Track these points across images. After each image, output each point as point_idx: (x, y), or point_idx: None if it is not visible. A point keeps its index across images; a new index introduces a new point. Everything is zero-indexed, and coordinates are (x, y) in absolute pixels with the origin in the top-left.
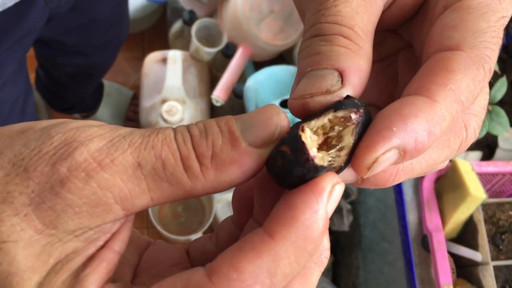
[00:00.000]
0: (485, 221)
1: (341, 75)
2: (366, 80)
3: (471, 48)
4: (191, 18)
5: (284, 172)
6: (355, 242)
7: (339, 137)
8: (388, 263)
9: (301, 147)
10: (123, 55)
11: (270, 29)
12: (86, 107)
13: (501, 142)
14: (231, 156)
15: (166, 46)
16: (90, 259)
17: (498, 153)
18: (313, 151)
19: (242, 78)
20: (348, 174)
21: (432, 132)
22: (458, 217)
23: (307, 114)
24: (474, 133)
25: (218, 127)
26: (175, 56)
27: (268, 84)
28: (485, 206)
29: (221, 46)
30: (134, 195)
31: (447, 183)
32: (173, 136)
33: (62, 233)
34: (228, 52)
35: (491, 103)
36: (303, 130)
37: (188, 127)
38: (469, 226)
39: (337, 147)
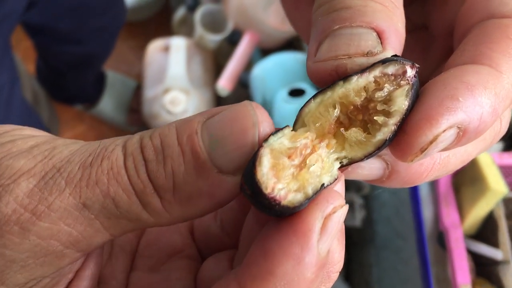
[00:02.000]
0: (507, 217)
1: (380, 36)
2: (403, 45)
3: None
4: (195, 3)
5: (258, 208)
6: (368, 239)
7: (387, 101)
8: (403, 260)
9: (259, 190)
10: (126, 44)
11: (277, 14)
12: (88, 98)
13: None
14: (198, 188)
15: (170, 33)
16: None
17: None
18: (277, 188)
19: (249, 67)
20: (374, 167)
21: (496, 110)
22: (477, 213)
23: (334, 80)
24: (506, 126)
25: (179, 146)
26: (178, 44)
27: (276, 73)
28: (506, 201)
29: (227, 33)
30: (87, 236)
31: (465, 176)
32: (122, 163)
33: (14, 287)
34: (233, 39)
35: None
36: (259, 162)
37: (141, 146)
38: (489, 222)
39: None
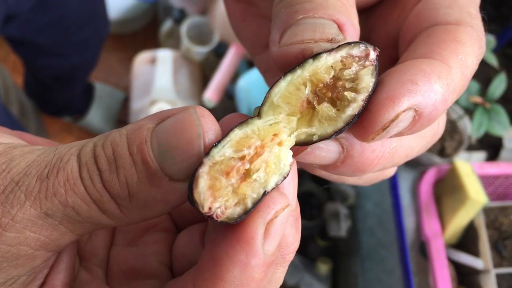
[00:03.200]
0: (487, 226)
1: (340, 28)
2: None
3: (471, 27)
4: (181, 16)
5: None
6: (354, 249)
7: (353, 80)
8: (386, 271)
9: (197, 209)
10: (115, 56)
11: None
12: (76, 110)
13: (506, 142)
14: (153, 196)
15: (158, 46)
16: None
17: (504, 153)
18: (214, 207)
19: (235, 78)
20: (332, 149)
21: (446, 100)
22: (457, 222)
23: (298, 62)
24: (443, 127)
25: (130, 156)
26: (164, 56)
27: (261, 84)
28: (487, 210)
29: (213, 45)
30: (54, 239)
31: (446, 186)
32: (77, 173)
33: None
34: (219, 51)
35: (489, 101)
36: (195, 184)
37: (95, 155)
38: (469, 232)
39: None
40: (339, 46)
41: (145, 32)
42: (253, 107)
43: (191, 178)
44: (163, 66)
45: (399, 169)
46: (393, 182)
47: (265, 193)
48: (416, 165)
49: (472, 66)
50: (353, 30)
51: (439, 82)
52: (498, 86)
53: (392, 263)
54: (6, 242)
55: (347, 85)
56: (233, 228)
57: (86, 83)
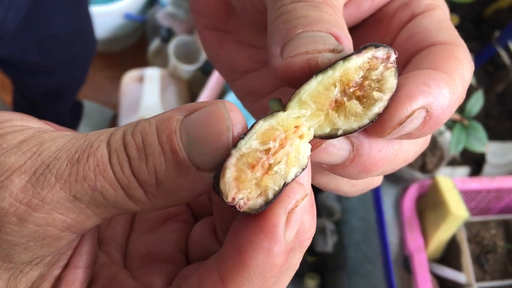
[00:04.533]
0: (469, 241)
1: (337, 40)
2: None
3: (463, 46)
4: (169, 35)
5: (226, 206)
6: (340, 264)
7: (378, 80)
8: (372, 285)
9: (221, 198)
10: (104, 74)
11: None
12: (65, 127)
13: (489, 157)
14: (179, 184)
15: (147, 64)
16: (58, 281)
17: (487, 168)
18: (238, 198)
19: (222, 96)
20: (344, 147)
21: (452, 106)
22: (440, 237)
23: (305, 74)
24: (429, 140)
25: (159, 145)
26: (152, 74)
27: None
28: (468, 225)
29: (200, 63)
30: (80, 221)
31: (428, 201)
32: (107, 159)
33: (21, 265)
34: (206, 69)
35: (467, 117)
36: (222, 174)
37: (124, 143)
38: (452, 246)
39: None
40: (366, 47)
41: (134, 51)
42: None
43: (218, 168)
44: (151, 84)
45: (383, 185)
46: (376, 197)
47: (285, 184)
48: (398, 181)
49: (468, 80)
50: (348, 42)
51: (447, 89)
52: (476, 103)
53: (377, 278)
54: (34, 222)
55: (373, 85)
56: (255, 218)
57: (74, 101)
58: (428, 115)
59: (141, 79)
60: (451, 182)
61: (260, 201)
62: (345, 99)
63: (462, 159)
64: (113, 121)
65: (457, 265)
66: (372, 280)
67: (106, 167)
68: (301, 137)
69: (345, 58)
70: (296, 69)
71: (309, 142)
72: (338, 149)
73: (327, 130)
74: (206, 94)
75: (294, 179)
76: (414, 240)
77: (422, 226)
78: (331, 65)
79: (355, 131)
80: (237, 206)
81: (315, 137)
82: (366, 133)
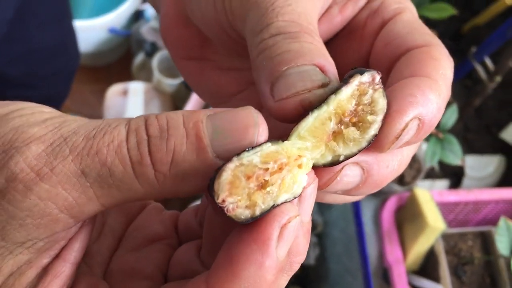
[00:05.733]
0: (447, 252)
1: (322, 70)
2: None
3: (438, 45)
4: (153, 49)
5: (214, 208)
6: (323, 276)
7: (369, 103)
8: None
9: (212, 196)
10: (89, 88)
11: None
12: None
13: (468, 170)
14: (195, 167)
15: (132, 78)
16: (44, 271)
17: (466, 181)
18: (227, 201)
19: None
20: (356, 173)
21: (441, 108)
22: (418, 249)
23: (299, 114)
24: (417, 147)
25: (184, 128)
26: (136, 88)
27: None
28: (446, 237)
29: None
30: (81, 203)
31: (407, 213)
32: (124, 137)
33: (12, 245)
34: None
35: (442, 130)
36: (219, 174)
37: (147, 123)
38: (430, 258)
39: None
40: (352, 76)
41: (119, 65)
42: None
43: (217, 169)
44: (135, 97)
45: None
46: (356, 210)
47: (274, 206)
48: (378, 193)
49: (450, 77)
50: (333, 69)
51: (432, 93)
52: (451, 116)
53: None
54: (38, 193)
55: (365, 109)
56: (248, 230)
57: None
58: (421, 123)
59: (125, 93)
60: (428, 195)
61: (246, 213)
62: (342, 127)
63: (442, 172)
64: None
65: (435, 277)
66: None
67: (122, 143)
68: (299, 166)
69: (336, 91)
70: (290, 110)
71: (324, 178)
72: (351, 176)
73: (329, 158)
74: (190, 107)
75: (283, 203)
76: (393, 252)
77: (401, 238)
78: (324, 100)
79: (355, 154)
80: (226, 209)
81: (319, 167)
82: (368, 150)
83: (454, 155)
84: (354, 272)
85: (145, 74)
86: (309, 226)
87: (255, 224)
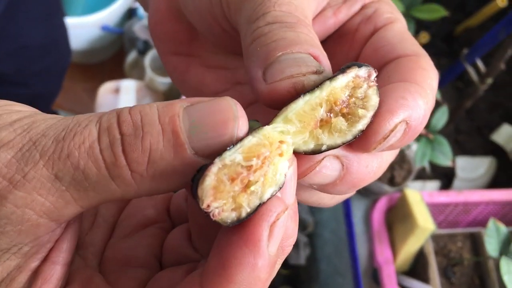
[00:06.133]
0: (437, 253)
1: (316, 60)
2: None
3: (426, 56)
4: (145, 48)
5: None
6: (313, 276)
7: (362, 98)
8: None
9: (197, 202)
10: (82, 86)
11: None
12: None
13: (459, 171)
14: (173, 166)
15: (124, 76)
16: (35, 274)
17: (456, 182)
18: (212, 206)
19: None
20: (336, 167)
21: (426, 116)
22: (408, 249)
23: (291, 97)
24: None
25: (160, 124)
26: (128, 86)
27: None
28: (436, 238)
29: None
30: (59, 207)
31: (397, 214)
32: (95, 137)
33: None
34: None
35: (432, 132)
36: (202, 180)
37: (119, 120)
38: (420, 259)
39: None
40: (349, 67)
41: (112, 63)
42: None
43: (199, 173)
44: (127, 96)
45: (353, 198)
46: (347, 210)
47: (260, 205)
48: (368, 194)
49: (436, 88)
50: (326, 61)
51: (421, 100)
52: (441, 118)
53: None
54: (13, 201)
55: (357, 102)
56: (238, 232)
57: (50, 112)
58: (407, 127)
59: (117, 91)
60: (419, 195)
61: (233, 215)
62: (331, 116)
63: (433, 173)
64: None
65: (424, 278)
66: None
67: (93, 144)
68: (280, 154)
69: (332, 78)
70: (282, 93)
71: (303, 167)
72: (331, 170)
73: (311, 145)
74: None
75: (269, 198)
76: (383, 252)
77: (391, 239)
78: (318, 85)
79: (338, 146)
80: (211, 214)
81: (299, 153)
82: (352, 149)
83: (444, 156)
84: (344, 273)
85: (138, 72)
86: (295, 207)
87: (243, 225)
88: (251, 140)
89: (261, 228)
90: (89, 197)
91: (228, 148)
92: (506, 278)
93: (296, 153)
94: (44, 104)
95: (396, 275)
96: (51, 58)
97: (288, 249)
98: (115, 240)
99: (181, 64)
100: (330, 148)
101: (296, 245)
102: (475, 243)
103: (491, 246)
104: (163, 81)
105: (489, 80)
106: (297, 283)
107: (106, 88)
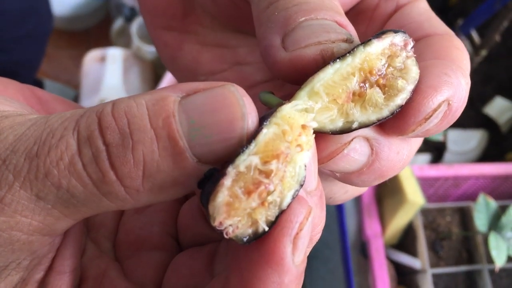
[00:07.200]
0: (425, 227)
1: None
2: None
3: (455, 37)
4: (132, 14)
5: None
6: None
7: (400, 69)
8: (330, 270)
9: (208, 216)
10: (67, 53)
11: None
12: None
13: (450, 144)
14: (173, 178)
15: (112, 44)
16: (41, 285)
17: (447, 155)
18: (226, 224)
19: None
20: (365, 151)
21: (466, 97)
22: (397, 223)
23: (317, 67)
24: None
25: (152, 130)
26: (114, 54)
27: None
28: (425, 212)
29: None
30: (49, 223)
31: (387, 187)
32: (75, 150)
33: None
34: None
35: None
36: (213, 196)
37: (101, 126)
38: (409, 233)
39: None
40: (384, 32)
41: (98, 30)
42: None
43: (210, 181)
44: (113, 64)
45: None
46: None
47: (280, 214)
48: None
49: (467, 66)
50: (354, 31)
51: (464, 79)
52: None
53: (335, 263)
54: None
55: (396, 73)
56: (257, 248)
57: (34, 80)
58: (449, 108)
59: (103, 59)
60: (409, 170)
61: (249, 231)
62: (366, 87)
63: (424, 146)
64: (75, 101)
65: (413, 251)
66: (330, 265)
67: (73, 159)
68: (299, 146)
69: (365, 43)
70: (307, 61)
71: (327, 150)
72: (358, 154)
73: (339, 123)
74: (170, 75)
75: (291, 202)
76: (371, 226)
77: (380, 213)
78: (350, 51)
79: (372, 124)
80: (224, 233)
81: (325, 132)
82: (385, 132)
83: None
84: (332, 246)
85: (125, 40)
86: (320, 190)
87: (263, 240)
88: (266, 134)
89: (282, 245)
90: (81, 212)
91: (242, 151)
92: (494, 253)
93: (319, 132)
94: (27, 72)
95: (384, 248)
96: (30, 24)
97: (317, 237)
98: (126, 218)
99: (174, 40)
100: (362, 126)
101: None
102: (464, 217)
103: (480, 221)
104: (151, 50)
105: (484, 52)
106: None
107: (91, 57)
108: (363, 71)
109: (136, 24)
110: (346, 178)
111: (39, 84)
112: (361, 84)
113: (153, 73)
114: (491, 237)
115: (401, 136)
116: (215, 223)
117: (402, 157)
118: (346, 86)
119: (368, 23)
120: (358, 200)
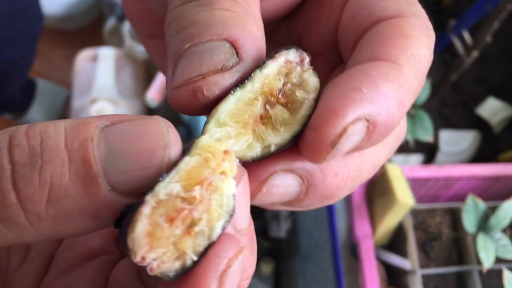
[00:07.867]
0: (415, 228)
1: (234, 46)
2: (264, 51)
3: (414, 15)
4: (124, 14)
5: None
6: (294, 250)
7: (299, 84)
8: (321, 271)
9: (128, 252)
10: (60, 52)
11: None
12: (16, 107)
13: (442, 145)
14: (82, 205)
15: (104, 43)
16: None
17: (440, 156)
18: (149, 258)
19: None
20: (290, 183)
21: (402, 103)
22: (387, 224)
23: (200, 105)
24: (405, 127)
25: (66, 151)
26: (106, 54)
27: None
28: (415, 212)
29: None
30: None
31: (377, 188)
32: None
33: None
34: None
35: (413, 106)
36: (131, 227)
37: (11, 143)
38: (399, 233)
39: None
40: (278, 51)
41: (91, 29)
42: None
43: (127, 216)
44: (105, 64)
45: None
46: None
47: (209, 246)
48: None
49: (425, 58)
50: (251, 42)
51: (388, 85)
52: (423, 92)
53: (327, 264)
54: None
55: (294, 89)
56: (180, 286)
57: (26, 79)
58: (371, 124)
59: (95, 59)
60: (399, 170)
61: (176, 266)
62: (269, 108)
63: (416, 146)
64: (68, 101)
65: (403, 252)
66: (321, 266)
67: None
68: (223, 173)
69: (261, 66)
70: (184, 101)
71: (247, 187)
72: (283, 187)
73: (258, 149)
74: (163, 75)
75: (221, 233)
76: (362, 227)
77: (370, 213)
78: (248, 77)
79: (289, 143)
80: (148, 269)
81: (246, 161)
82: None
83: (425, 131)
84: (323, 247)
85: (117, 40)
86: (251, 231)
87: (188, 278)
88: (189, 162)
89: (207, 281)
90: None
91: (161, 178)
92: (482, 255)
93: (244, 163)
94: (18, 71)
95: (374, 249)
96: (21, 24)
97: (246, 283)
98: (49, 278)
99: (158, 47)
100: (280, 147)
101: (277, 218)
102: (454, 218)
103: (469, 222)
104: (143, 50)
105: (475, 53)
106: (279, 256)
107: (84, 56)
108: (265, 94)
109: (129, 24)
110: (289, 205)
111: (32, 83)
112: (266, 107)
113: (145, 73)
114: (479, 238)
115: (320, 163)
116: (137, 259)
117: (345, 176)
118: (251, 111)
119: (328, 10)
120: (348, 201)
